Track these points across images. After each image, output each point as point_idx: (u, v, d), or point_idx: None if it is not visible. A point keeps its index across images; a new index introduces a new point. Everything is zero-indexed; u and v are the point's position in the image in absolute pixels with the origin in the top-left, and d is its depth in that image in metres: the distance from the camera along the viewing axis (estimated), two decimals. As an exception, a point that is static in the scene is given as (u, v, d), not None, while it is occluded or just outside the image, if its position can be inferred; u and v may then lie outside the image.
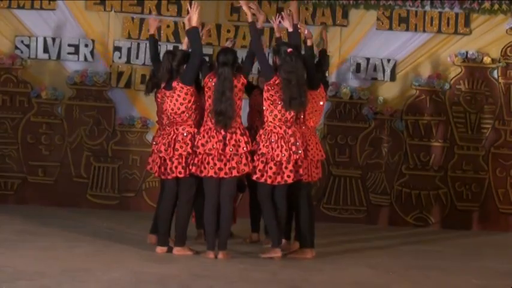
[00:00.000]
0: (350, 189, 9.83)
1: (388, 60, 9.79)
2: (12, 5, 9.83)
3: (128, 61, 9.90)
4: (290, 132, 6.88)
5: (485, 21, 9.71)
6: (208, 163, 6.80)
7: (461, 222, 9.63)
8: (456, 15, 9.72)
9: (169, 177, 6.92)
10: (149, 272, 6.11)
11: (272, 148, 6.83)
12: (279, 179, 6.85)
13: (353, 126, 9.81)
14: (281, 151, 6.82)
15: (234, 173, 6.81)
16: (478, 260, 7.53)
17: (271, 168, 6.82)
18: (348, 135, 9.81)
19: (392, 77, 9.79)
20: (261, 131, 6.95)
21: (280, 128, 6.88)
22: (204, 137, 6.84)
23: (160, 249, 6.97)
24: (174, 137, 6.91)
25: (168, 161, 6.91)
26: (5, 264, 6.05)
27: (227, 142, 6.80)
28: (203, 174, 6.81)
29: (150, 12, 9.84)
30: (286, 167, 6.84)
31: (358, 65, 9.83)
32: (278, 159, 6.82)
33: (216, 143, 6.78)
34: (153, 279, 5.85)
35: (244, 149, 6.82)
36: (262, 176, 6.85)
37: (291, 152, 6.83)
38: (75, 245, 7.17)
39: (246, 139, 6.86)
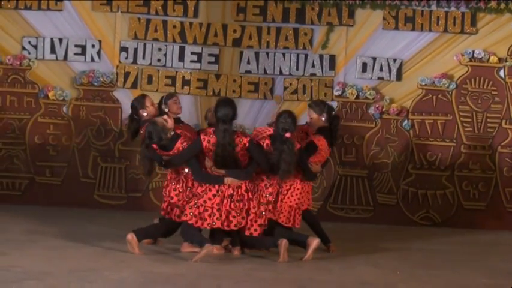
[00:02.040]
0: (357, 188, 9.83)
1: (394, 60, 9.78)
2: (19, 5, 9.85)
3: (135, 61, 9.91)
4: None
5: (492, 20, 9.69)
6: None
7: (468, 221, 9.61)
8: (462, 14, 9.71)
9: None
10: (157, 272, 6.12)
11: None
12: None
13: (359, 125, 9.81)
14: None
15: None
16: (486, 259, 7.52)
17: None
18: (354, 135, 9.81)
19: (399, 77, 9.78)
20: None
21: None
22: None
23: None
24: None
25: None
26: (14, 264, 6.07)
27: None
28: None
29: (156, 13, 9.86)
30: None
31: (364, 65, 9.82)
32: None
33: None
34: (161, 279, 5.87)
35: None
36: None
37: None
38: (82, 245, 7.18)
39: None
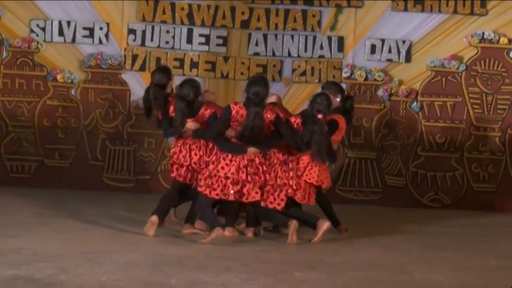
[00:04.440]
0: (365, 171, 9.83)
1: (403, 42, 9.74)
2: (27, -12, 9.86)
3: (143, 44, 9.89)
4: None
5: (502, 1, 9.63)
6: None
7: (478, 203, 9.60)
8: (472, -5, 9.66)
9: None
10: (166, 254, 6.14)
11: None
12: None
13: (368, 107, 9.79)
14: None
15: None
16: (495, 241, 7.52)
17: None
18: (363, 117, 9.79)
19: (408, 58, 9.75)
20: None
21: None
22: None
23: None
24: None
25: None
26: (24, 247, 6.09)
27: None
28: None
29: (164, -5, 9.84)
30: None
31: (373, 47, 9.79)
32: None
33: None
34: (170, 261, 5.88)
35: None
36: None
37: None
38: (92, 227, 7.20)
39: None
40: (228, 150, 6.87)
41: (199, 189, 6.88)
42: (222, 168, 6.83)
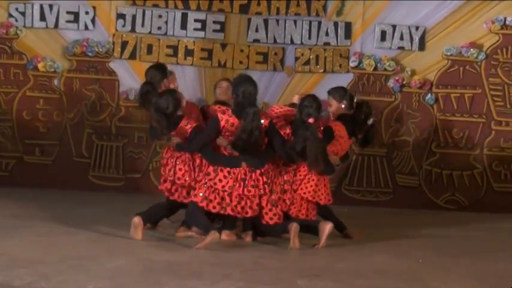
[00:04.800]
0: (374, 169, 9.88)
1: (417, 28, 9.76)
2: (4, -32, 9.88)
3: (133, 30, 9.91)
4: None
5: (526, -16, 9.66)
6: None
7: (499, 204, 9.63)
8: (493, -23, 9.68)
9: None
10: (158, 260, 6.14)
11: None
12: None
13: (377, 100, 9.81)
14: None
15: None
16: (516, 246, 7.54)
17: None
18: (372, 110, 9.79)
19: (421, 46, 9.77)
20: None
21: None
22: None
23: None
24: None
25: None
26: (1, 252, 6.10)
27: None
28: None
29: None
30: None
31: (383, 33, 9.82)
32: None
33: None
34: (162, 267, 5.88)
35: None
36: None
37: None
38: (76, 230, 7.20)
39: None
40: (219, 163, 6.88)
41: (194, 199, 6.90)
42: (220, 180, 6.86)
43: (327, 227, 6.94)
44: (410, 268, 6.35)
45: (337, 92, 7.58)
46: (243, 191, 6.86)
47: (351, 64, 9.82)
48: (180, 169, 7.11)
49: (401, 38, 9.78)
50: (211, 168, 6.89)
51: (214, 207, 6.87)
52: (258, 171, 6.91)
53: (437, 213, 9.47)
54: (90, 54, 9.89)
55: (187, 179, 7.08)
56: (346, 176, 9.86)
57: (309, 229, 7.04)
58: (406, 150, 9.80)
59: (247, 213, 6.93)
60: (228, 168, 6.85)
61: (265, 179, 6.94)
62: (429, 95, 9.75)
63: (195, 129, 6.97)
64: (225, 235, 7.04)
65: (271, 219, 7.00)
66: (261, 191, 6.92)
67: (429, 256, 6.84)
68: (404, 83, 9.78)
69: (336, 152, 7.36)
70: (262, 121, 6.82)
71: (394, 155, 9.82)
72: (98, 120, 9.95)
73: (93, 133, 9.93)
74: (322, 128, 7.23)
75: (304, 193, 7.16)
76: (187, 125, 7.00)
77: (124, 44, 9.91)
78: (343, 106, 7.50)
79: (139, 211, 7.02)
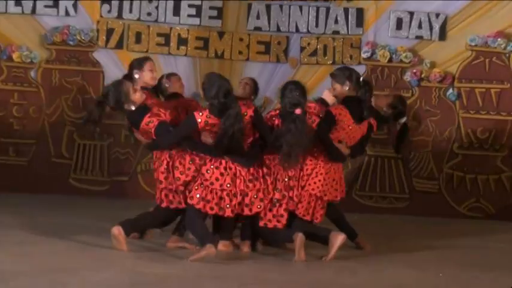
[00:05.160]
0: (389, 172, 9.90)
1: (437, 15, 9.76)
2: None
3: (119, 16, 9.93)
4: None
5: None
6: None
7: (529, 213, 9.63)
8: (525, -42, 9.68)
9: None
10: (146, 273, 6.13)
11: None
12: None
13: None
14: None
15: None
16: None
17: None
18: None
19: (442, 35, 9.77)
20: None
21: None
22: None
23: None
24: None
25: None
26: (-29, 263, 6.08)
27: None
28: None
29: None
30: None
31: (400, 21, 9.84)
32: None
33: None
34: (151, 281, 5.87)
35: None
36: None
37: None
38: (55, 240, 7.17)
39: None
40: (204, 151, 6.85)
41: (189, 201, 6.88)
42: (217, 179, 6.85)
43: (338, 239, 6.89)
44: (428, 283, 6.33)
45: (339, 74, 7.51)
46: (244, 186, 6.87)
47: (363, 55, 9.82)
48: (176, 167, 7.02)
49: (420, 26, 9.79)
50: (205, 168, 6.86)
51: (212, 208, 6.86)
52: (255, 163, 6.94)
53: (459, 221, 9.48)
54: (71, 43, 9.91)
55: (172, 182, 6.99)
56: (357, 180, 9.85)
57: (318, 238, 7.02)
58: (424, 151, 9.81)
59: (251, 210, 6.92)
60: (223, 164, 6.84)
61: (265, 170, 6.97)
62: (451, 90, 9.77)
63: (162, 125, 6.89)
64: (222, 245, 7.01)
65: (269, 221, 7.00)
66: (262, 185, 6.93)
67: (450, 270, 6.83)
68: (422, 76, 9.80)
69: (342, 139, 7.30)
70: (247, 112, 6.82)
71: (411, 157, 9.82)
72: (80, 117, 9.86)
73: (75, 131, 9.93)
74: (321, 115, 7.20)
75: (313, 189, 7.12)
76: (149, 124, 6.91)
77: (110, 32, 9.92)
78: (346, 88, 7.43)
79: (125, 218, 6.98)
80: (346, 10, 9.88)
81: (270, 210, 7.02)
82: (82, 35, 9.90)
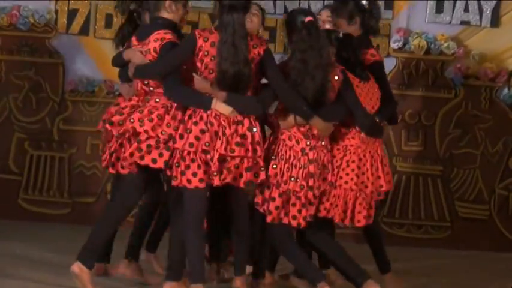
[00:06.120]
0: (425, 194, 9.93)
1: (488, -4, 9.83)
2: None
3: (85, -7, 9.98)
4: None
5: None
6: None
7: None
8: None
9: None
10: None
11: None
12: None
13: (430, 96, 9.91)
14: None
15: None
16: None
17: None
18: (422, 111, 9.85)
19: (495, 22, 9.85)
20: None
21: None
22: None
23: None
24: None
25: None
26: None
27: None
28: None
29: None
30: None
31: (440, 3, 9.87)
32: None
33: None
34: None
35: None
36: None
37: None
38: (2, 279, 7.14)
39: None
40: (185, 98, 6.72)
41: (174, 183, 6.64)
42: (197, 138, 6.60)
43: None
44: None
45: (341, 7, 7.48)
46: (225, 149, 6.61)
47: (393, 45, 9.87)
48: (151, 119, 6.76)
49: (466, 10, 9.84)
50: (183, 127, 6.64)
51: (202, 180, 6.57)
52: (245, 125, 6.68)
53: (515, 256, 9.49)
54: (22, 27, 9.91)
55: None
56: (385, 204, 9.86)
57: (349, 279, 7.02)
58: (470, 167, 9.85)
59: (237, 181, 6.71)
60: (204, 118, 6.62)
61: (257, 138, 6.69)
62: (505, 91, 9.82)
63: (168, 45, 6.81)
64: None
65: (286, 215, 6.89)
66: (249, 153, 6.66)
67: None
68: (469, 72, 9.83)
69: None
70: (256, 45, 6.75)
71: (454, 175, 9.87)
72: (33, 121, 9.95)
73: (26, 139, 9.94)
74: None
75: (346, 182, 7.02)
76: (158, 41, 6.80)
77: (72, 14, 9.96)
78: (356, 28, 7.42)
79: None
80: (371, -12, 9.97)
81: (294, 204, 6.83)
82: (36, 18, 9.90)
